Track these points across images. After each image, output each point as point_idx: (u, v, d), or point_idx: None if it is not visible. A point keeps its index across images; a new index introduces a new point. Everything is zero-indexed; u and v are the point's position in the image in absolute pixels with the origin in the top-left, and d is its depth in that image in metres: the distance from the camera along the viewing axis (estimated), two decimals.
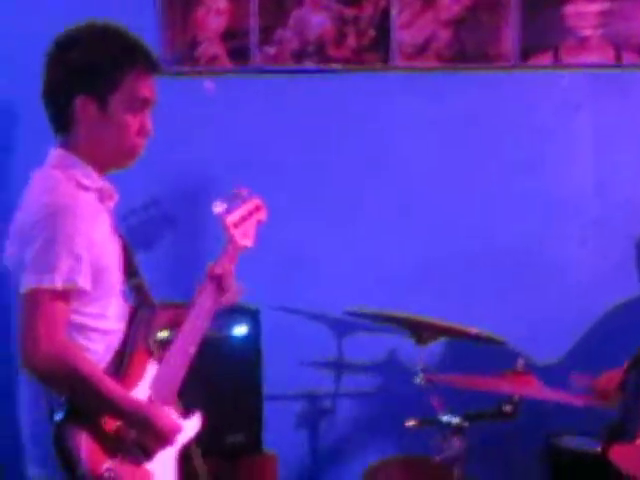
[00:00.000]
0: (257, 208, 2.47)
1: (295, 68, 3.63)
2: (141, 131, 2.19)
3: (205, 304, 2.32)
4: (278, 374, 3.54)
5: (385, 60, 3.60)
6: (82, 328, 2.10)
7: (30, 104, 2.54)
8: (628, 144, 3.72)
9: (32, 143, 2.50)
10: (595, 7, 3.52)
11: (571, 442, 3.40)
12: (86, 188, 2.14)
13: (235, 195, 2.41)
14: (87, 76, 2.16)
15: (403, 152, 3.77)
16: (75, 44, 2.20)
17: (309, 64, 3.61)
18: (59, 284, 1.99)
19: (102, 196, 2.19)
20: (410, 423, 3.03)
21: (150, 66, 2.22)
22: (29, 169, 2.17)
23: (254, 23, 3.56)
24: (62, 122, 2.18)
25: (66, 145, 2.17)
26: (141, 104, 2.19)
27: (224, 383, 3.32)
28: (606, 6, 3.50)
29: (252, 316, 3.31)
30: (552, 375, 3.29)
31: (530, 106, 3.74)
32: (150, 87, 2.22)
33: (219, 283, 2.35)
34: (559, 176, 3.69)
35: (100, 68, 2.16)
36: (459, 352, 3.57)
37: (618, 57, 3.55)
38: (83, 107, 2.13)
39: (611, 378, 3.15)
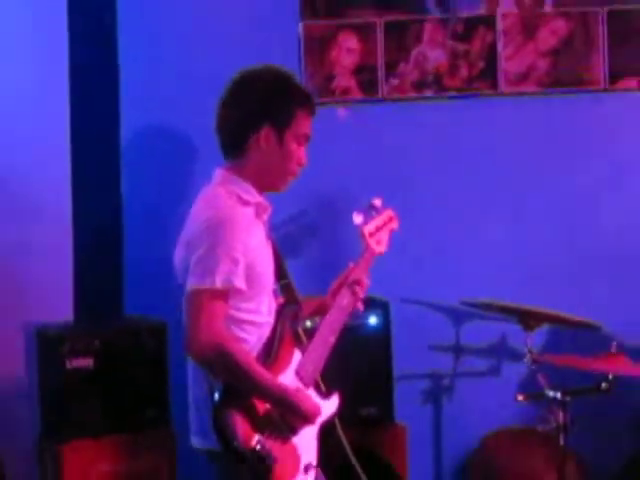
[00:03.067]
0: (390, 219, 2.66)
1: (416, 96, 3.92)
2: (300, 162, 2.46)
3: (342, 302, 2.52)
4: (406, 357, 3.80)
5: (494, 87, 3.87)
6: (238, 321, 2.34)
7: (203, 134, 2.88)
8: None
9: (205, 166, 2.65)
10: None
11: None
12: (246, 202, 2.37)
13: (370, 207, 2.60)
14: (273, 111, 2.42)
15: (513, 161, 3.98)
16: (262, 85, 2.48)
17: (428, 93, 3.90)
18: (219, 285, 2.23)
19: (258, 210, 2.40)
20: (520, 398, 3.31)
21: (313, 108, 2.49)
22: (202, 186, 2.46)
23: (380, 59, 3.85)
24: (236, 149, 2.42)
25: (232, 167, 2.42)
26: (304, 139, 2.46)
27: (361, 365, 3.58)
28: None
29: (383, 307, 3.61)
30: None
31: (619, 124, 3.94)
32: (310, 125, 2.48)
33: (355, 284, 2.57)
34: None
35: (283, 106, 2.43)
36: (562, 336, 3.73)
37: None
38: (266, 137, 2.38)
39: None
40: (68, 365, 3.51)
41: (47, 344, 3.65)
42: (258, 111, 2.40)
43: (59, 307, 3.86)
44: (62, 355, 3.53)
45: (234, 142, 2.42)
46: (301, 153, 2.46)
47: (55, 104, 3.93)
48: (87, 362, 3.52)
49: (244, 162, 2.39)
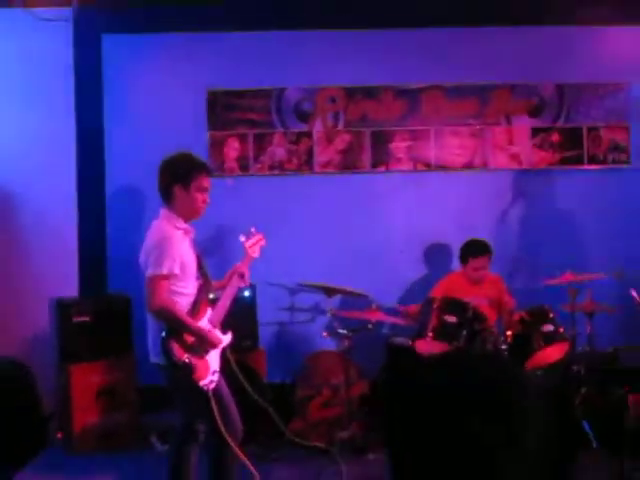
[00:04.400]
0: (260, 239, 3.12)
1: (270, 173, 4.75)
2: (203, 204, 2.85)
3: (234, 283, 2.97)
4: (266, 313, 4.50)
5: (311, 169, 4.74)
6: (176, 293, 2.74)
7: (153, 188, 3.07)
8: None
9: (155, 207, 2.99)
10: None
11: None
12: (178, 228, 2.79)
13: (249, 232, 3.10)
14: (180, 176, 2.84)
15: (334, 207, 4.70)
16: (175, 162, 2.88)
17: (276, 172, 4.71)
18: (165, 272, 2.64)
19: (186, 232, 2.83)
20: (324, 334, 4.15)
21: (207, 171, 2.90)
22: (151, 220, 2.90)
23: (251, 152, 4.69)
24: (167, 198, 2.84)
25: (168, 207, 2.83)
26: (204, 190, 2.84)
27: (242, 317, 4.08)
28: None
29: (253, 287, 4.26)
30: None
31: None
32: (208, 181, 2.87)
33: (241, 275, 3.00)
34: None
35: (186, 172, 2.82)
36: (350, 300, 4.34)
37: None
38: (179, 191, 2.83)
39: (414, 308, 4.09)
40: (74, 320, 4.15)
41: (62, 308, 4.23)
42: (170, 177, 2.82)
43: (68, 287, 4.50)
44: (70, 314, 4.15)
45: (165, 195, 2.86)
46: (203, 198, 2.84)
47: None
48: (86, 319, 4.16)
49: (173, 205, 2.82)
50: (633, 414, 3.51)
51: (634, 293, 3.71)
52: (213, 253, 4.23)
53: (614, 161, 4.88)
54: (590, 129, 4.86)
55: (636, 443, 3.35)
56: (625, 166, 4.89)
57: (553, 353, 3.55)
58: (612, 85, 4.85)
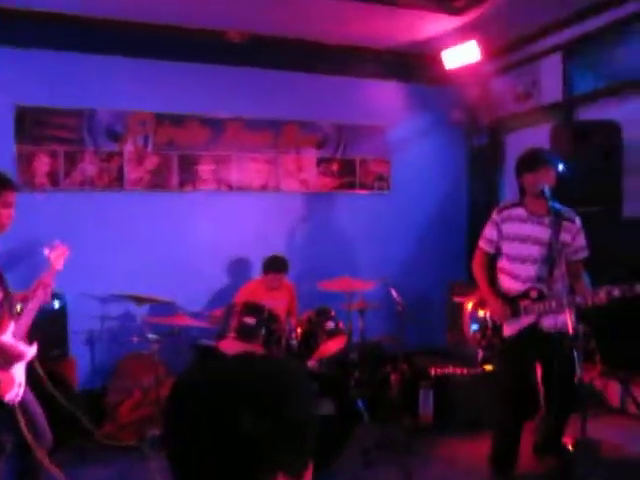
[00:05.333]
0: (64, 250, 2.87)
1: (80, 189, 4.42)
2: (8, 218, 2.57)
3: (38, 295, 2.68)
4: (77, 322, 4.24)
5: (121, 186, 4.53)
6: None
7: None
8: None
9: None
10: None
11: None
12: None
13: (53, 244, 2.85)
14: None
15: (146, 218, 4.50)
16: None
17: (87, 187, 4.42)
18: None
19: None
20: (134, 339, 3.76)
21: (12, 187, 2.60)
22: None
23: (61, 167, 4.33)
24: None
25: None
26: (7, 205, 2.56)
27: (47, 326, 3.61)
28: None
29: (60, 296, 4.00)
30: None
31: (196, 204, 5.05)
32: (12, 196, 2.58)
33: (45, 287, 2.71)
34: None
35: None
36: (156, 307, 4.15)
37: None
38: None
39: None
40: None
41: None
42: None
43: None
44: None
45: None
46: (8, 213, 2.57)
47: None
48: None
49: None
50: (394, 389, 3.95)
51: (393, 292, 4.04)
52: (20, 266, 3.82)
53: (378, 187, 5.34)
54: (362, 161, 5.28)
55: (396, 411, 3.69)
56: (386, 192, 5.38)
57: (334, 345, 3.73)
58: (376, 127, 5.32)
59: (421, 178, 5.45)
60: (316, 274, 4.74)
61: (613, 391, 4.25)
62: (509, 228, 3.11)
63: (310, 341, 3.62)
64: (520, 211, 3.10)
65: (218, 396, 0.80)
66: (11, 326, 2.61)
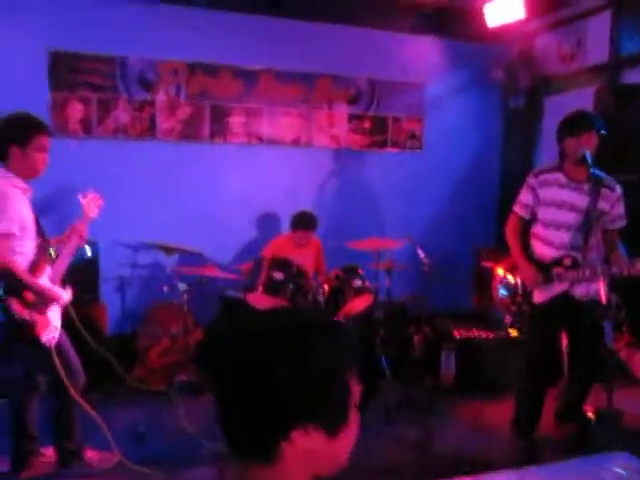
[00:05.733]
0: (98, 198, 2.92)
1: (113, 136, 4.37)
2: (43, 163, 2.59)
3: (72, 241, 2.77)
4: (107, 269, 4.32)
5: (154, 136, 4.48)
6: (14, 252, 2.51)
7: None
8: None
9: None
10: None
11: None
12: (16, 187, 2.53)
13: (87, 192, 2.92)
14: (15, 136, 2.52)
15: (174, 169, 4.44)
16: (12, 122, 2.56)
17: (121, 135, 4.39)
18: (3, 230, 2.43)
19: (24, 191, 2.57)
20: (165, 288, 3.83)
21: (46, 131, 2.62)
22: None
23: (94, 114, 4.32)
24: (2, 157, 2.54)
25: (6, 167, 2.55)
26: (43, 149, 2.58)
27: (85, 272, 3.91)
28: None
29: (94, 244, 3.95)
30: None
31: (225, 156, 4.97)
32: (47, 140, 2.59)
33: (79, 233, 2.79)
34: None
35: (22, 132, 2.55)
36: (189, 257, 4.11)
37: None
38: (14, 151, 2.53)
39: None
40: None
41: None
42: (6, 136, 2.55)
43: None
44: None
45: (1, 154, 2.55)
46: (42, 158, 2.56)
47: None
48: None
49: (10, 164, 2.56)
50: (417, 349, 3.95)
51: (420, 252, 4.03)
52: (53, 212, 3.88)
53: (410, 146, 5.23)
54: (394, 118, 5.15)
55: (419, 371, 3.72)
56: (418, 151, 5.27)
57: (361, 303, 3.71)
58: (411, 84, 5.17)
59: (455, 138, 5.31)
60: (344, 232, 4.73)
61: (638, 362, 4.19)
62: (546, 193, 3.03)
63: (337, 298, 3.64)
64: (559, 176, 3.01)
65: (247, 346, 0.82)
66: (48, 270, 2.67)
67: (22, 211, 2.53)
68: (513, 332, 4.04)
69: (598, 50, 4.57)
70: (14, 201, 2.49)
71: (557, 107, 4.88)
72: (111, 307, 4.34)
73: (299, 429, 0.79)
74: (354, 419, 0.86)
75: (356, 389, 0.85)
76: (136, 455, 2.98)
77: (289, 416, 0.79)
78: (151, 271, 4.57)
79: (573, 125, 2.93)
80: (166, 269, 4.22)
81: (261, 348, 0.80)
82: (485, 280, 4.59)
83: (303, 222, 4.14)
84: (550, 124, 4.99)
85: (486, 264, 4.45)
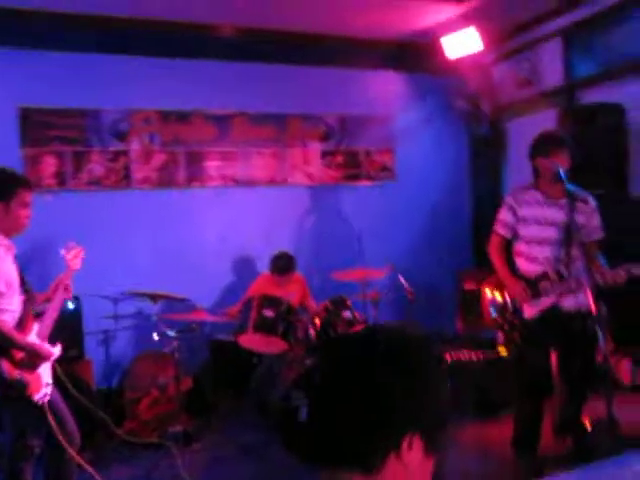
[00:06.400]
0: (80, 250, 2.88)
1: (87, 189, 4.41)
2: (26, 218, 2.56)
3: (59, 296, 2.71)
4: (91, 323, 4.15)
5: (129, 185, 4.48)
6: (1, 310, 2.46)
7: None
8: None
9: None
10: None
11: None
12: (0, 244, 2.50)
13: (69, 245, 2.87)
14: (2, 192, 2.50)
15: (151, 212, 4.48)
16: None
17: (93, 188, 4.39)
18: None
19: (8, 248, 2.53)
20: (155, 337, 3.57)
21: (29, 186, 2.60)
22: None
23: (70, 168, 4.31)
24: None
25: None
26: (27, 205, 2.55)
27: (68, 328, 3.77)
28: None
29: (76, 298, 3.99)
30: None
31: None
32: (30, 195, 2.57)
33: (65, 287, 2.73)
34: None
35: (7, 189, 2.52)
36: (172, 304, 4.12)
37: None
38: None
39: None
40: None
41: None
42: None
43: None
44: None
45: None
46: (26, 213, 2.55)
47: None
48: None
49: None
50: None
51: (402, 280, 4.07)
52: (33, 267, 3.81)
53: (383, 178, 5.33)
54: (366, 152, 5.26)
55: None
56: (391, 182, 5.38)
57: None
58: (380, 118, 5.31)
59: (425, 167, 5.45)
60: (325, 265, 4.76)
61: (625, 369, 4.25)
62: (525, 211, 3.11)
63: (328, 331, 3.61)
64: (535, 194, 3.10)
65: (357, 355, 0.86)
66: (35, 327, 2.61)
67: (7, 268, 2.50)
68: (502, 351, 4.05)
69: (553, 75, 4.81)
70: None
71: (520, 131, 5.06)
72: (96, 361, 4.23)
73: (407, 441, 0.82)
74: (445, 432, 0.89)
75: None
76: None
77: (403, 425, 0.82)
78: (136, 321, 4.47)
79: (544, 145, 3.04)
80: (151, 318, 4.07)
81: (371, 354, 0.85)
82: (469, 302, 4.66)
83: (279, 268, 4.13)
84: (514, 147, 5.21)
85: (468, 286, 4.50)
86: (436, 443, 0.86)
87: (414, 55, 5.10)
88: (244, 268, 4.82)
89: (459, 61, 4.79)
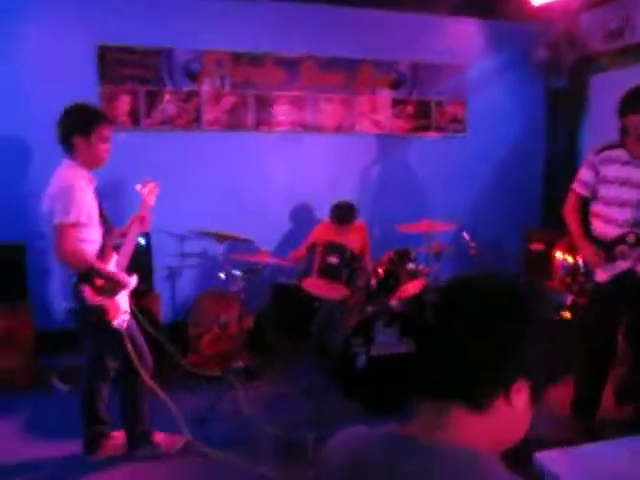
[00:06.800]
0: (155, 186, 2.98)
1: (159, 128, 4.40)
2: (106, 152, 2.66)
3: (135, 229, 2.82)
4: (160, 258, 4.32)
5: (199, 127, 4.47)
6: (83, 240, 2.57)
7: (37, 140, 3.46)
8: None
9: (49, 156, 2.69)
10: None
11: None
12: (82, 177, 2.60)
13: (145, 181, 2.98)
14: (80, 126, 2.55)
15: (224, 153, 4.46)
16: (74, 113, 2.58)
17: (166, 127, 4.40)
18: (72, 219, 2.48)
19: (89, 180, 2.64)
20: (221, 275, 3.87)
21: (108, 121, 2.67)
22: (47, 168, 2.61)
23: (142, 106, 4.34)
24: (67, 148, 2.61)
25: (71, 159, 2.61)
26: (106, 140, 2.63)
27: (141, 262, 3.87)
28: None
29: (146, 234, 3.97)
30: None
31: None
32: (109, 129, 2.66)
33: (141, 220, 2.86)
34: None
35: (86, 122, 2.57)
36: (237, 245, 4.03)
37: None
38: (79, 142, 2.55)
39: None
40: None
41: None
42: (70, 127, 2.58)
43: None
44: None
45: (66, 145, 2.61)
46: (105, 147, 2.63)
47: None
48: None
49: (75, 155, 2.61)
50: None
51: (466, 236, 4.00)
52: (108, 202, 3.85)
53: (453, 130, 5.17)
54: (437, 103, 5.10)
55: None
56: (461, 134, 5.20)
57: (414, 286, 3.62)
58: (453, 67, 5.10)
59: (498, 120, 5.22)
60: (388, 216, 4.72)
61: None
62: (607, 170, 2.95)
63: (390, 281, 3.61)
64: (621, 153, 2.93)
65: (484, 296, 0.90)
66: (114, 257, 2.72)
67: (88, 200, 2.59)
68: (567, 316, 3.94)
69: None
70: (80, 191, 2.54)
71: (605, 85, 4.76)
72: (163, 296, 4.40)
73: (517, 386, 0.84)
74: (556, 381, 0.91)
75: None
76: (199, 438, 3.01)
77: (518, 370, 0.85)
78: (202, 260, 4.59)
79: (635, 100, 2.84)
80: (216, 257, 4.17)
81: (504, 298, 0.88)
82: (534, 262, 4.54)
83: (339, 217, 4.03)
84: (596, 103, 4.91)
85: (536, 246, 4.37)
86: (540, 396, 0.88)
87: (494, 0, 4.80)
88: (307, 214, 4.82)
89: (544, 7, 4.47)
